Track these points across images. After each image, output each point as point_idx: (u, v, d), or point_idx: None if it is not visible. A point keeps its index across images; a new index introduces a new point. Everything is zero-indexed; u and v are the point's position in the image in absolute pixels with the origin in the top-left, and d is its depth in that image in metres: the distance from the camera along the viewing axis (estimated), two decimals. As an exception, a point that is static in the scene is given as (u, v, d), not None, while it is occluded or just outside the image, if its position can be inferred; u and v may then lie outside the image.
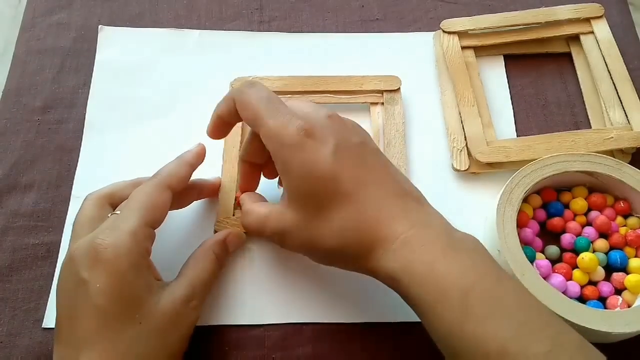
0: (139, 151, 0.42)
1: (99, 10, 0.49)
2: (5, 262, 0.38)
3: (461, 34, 0.46)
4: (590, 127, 0.44)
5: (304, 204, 0.31)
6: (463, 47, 0.46)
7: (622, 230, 0.38)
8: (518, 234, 0.36)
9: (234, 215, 0.39)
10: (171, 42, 0.47)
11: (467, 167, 0.41)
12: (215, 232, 0.38)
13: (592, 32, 0.47)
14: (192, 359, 0.34)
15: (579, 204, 0.39)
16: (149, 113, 0.44)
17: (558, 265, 0.37)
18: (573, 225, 0.39)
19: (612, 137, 0.41)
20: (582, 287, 0.36)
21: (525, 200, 0.39)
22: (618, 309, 0.35)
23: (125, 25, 0.48)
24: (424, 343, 0.36)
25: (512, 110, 0.45)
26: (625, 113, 0.43)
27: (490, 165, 0.41)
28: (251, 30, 0.48)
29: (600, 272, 0.37)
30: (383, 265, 0.30)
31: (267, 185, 0.39)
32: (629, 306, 0.35)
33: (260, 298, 0.37)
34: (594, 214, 0.39)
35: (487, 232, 0.38)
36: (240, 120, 0.34)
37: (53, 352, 0.30)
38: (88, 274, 0.29)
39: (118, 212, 0.32)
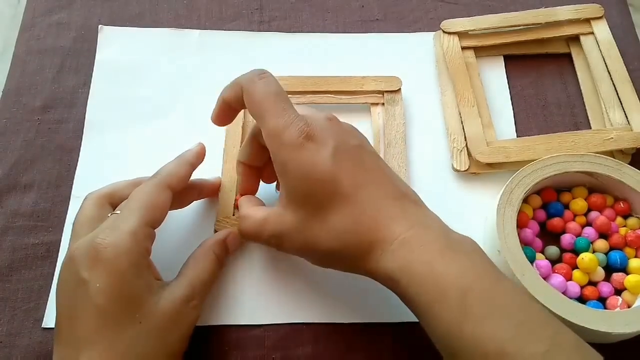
0: (139, 151, 0.42)
1: (99, 10, 0.49)
2: (5, 262, 0.38)
3: (461, 35, 0.46)
4: (590, 128, 0.44)
5: (302, 206, 0.31)
6: (463, 48, 0.46)
7: (622, 230, 0.38)
8: (518, 234, 0.36)
9: (233, 215, 0.39)
10: (171, 42, 0.47)
11: (467, 167, 0.41)
12: (215, 232, 0.38)
13: (592, 33, 0.47)
14: (192, 359, 0.34)
15: (579, 204, 0.39)
16: (149, 113, 0.44)
17: (558, 265, 0.37)
18: (573, 225, 0.39)
19: (612, 138, 0.41)
20: (582, 287, 0.36)
21: (525, 200, 0.39)
22: (618, 309, 0.35)
23: (125, 25, 0.48)
24: (424, 343, 0.36)
25: (512, 111, 0.45)
26: (625, 113, 0.43)
27: (490, 165, 0.41)
28: (251, 30, 0.48)
29: (600, 273, 0.37)
30: (381, 266, 0.30)
31: (267, 189, 0.39)
32: (628, 306, 0.35)
33: (260, 298, 0.37)
34: (593, 214, 0.39)
35: (487, 233, 0.38)
36: (245, 107, 0.34)
37: (53, 352, 0.30)
38: (88, 274, 0.29)
39: (118, 211, 0.32)
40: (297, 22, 0.49)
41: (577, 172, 0.39)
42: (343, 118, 0.44)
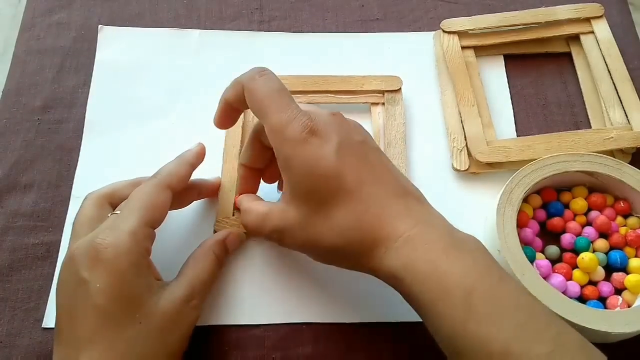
0: (139, 151, 0.42)
1: (99, 10, 0.49)
2: (5, 262, 0.38)
3: (461, 34, 0.46)
4: (590, 127, 0.44)
5: (305, 201, 0.31)
6: (463, 47, 0.46)
7: (622, 230, 0.38)
8: (518, 234, 0.36)
9: (233, 215, 0.39)
10: (171, 42, 0.47)
11: (467, 167, 0.41)
12: (215, 232, 0.38)
13: (592, 32, 0.47)
14: (192, 359, 0.34)
15: (579, 204, 0.39)
16: (149, 113, 0.44)
17: (558, 265, 0.37)
18: (573, 225, 0.39)
19: (612, 137, 0.41)
20: (582, 287, 0.36)
21: (525, 200, 0.39)
22: (618, 309, 0.35)
23: (125, 25, 0.48)
24: (424, 343, 0.36)
25: (512, 110, 0.45)
26: (625, 113, 0.43)
27: (490, 165, 0.41)
28: (251, 30, 0.48)
29: (600, 272, 0.37)
30: (385, 264, 0.29)
31: (267, 189, 0.39)
32: (629, 306, 0.35)
33: (260, 298, 0.37)
34: (594, 214, 0.39)
35: (487, 232, 0.38)
36: (248, 107, 0.33)
37: (53, 352, 0.30)
38: (88, 274, 0.29)
39: (118, 212, 0.32)
40: (297, 22, 0.49)
41: (577, 171, 0.39)
42: (343, 118, 0.44)
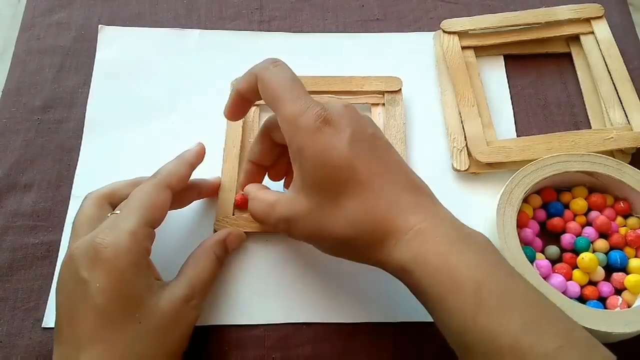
0: (139, 151, 0.42)
1: (99, 10, 0.49)
2: (5, 262, 0.38)
3: (461, 34, 0.46)
4: (590, 127, 0.44)
5: (316, 191, 0.31)
6: (463, 47, 0.46)
7: (622, 230, 0.38)
8: (518, 234, 0.36)
9: (233, 214, 0.39)
10: (171, 42, 0.47)
11: (467, 167, 0.41)
12: (215, 231, 0.38)
13: (592, 32, 0.47)
14: (192, 359, 0.34)
15: (579, 204, 0.39)
16: (149, 113, 0.44)
17: (558, 265, 0.37)
18: (573, 225, 0.39)
19: (612, 137, 0.41)
20: (582, 287, 0.36)
21: (525, 200, 0.39)
22: (618, 309, 0.35)
23: (125, 25, 0.48)
24: (424, 343, 0.36)
25: (512, 110, 0.45)
26: (625, 113, 0.43)
27: (490, 165, 0.41)
28: (251, 30, 0.48)
29: (600, 272, 0.37)
30: (394, 256, 0.29)
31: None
32: (629, 306, 0.35)
33: (260, 298, 0.37)
34: (594, 214, 0.39)
35: (487, 232, 0.38)
36: (259, 99, 0.33)
37: (53, 351, 0.30)
38: (88, 274, 0.29)
39: (118, 211, 0.32)
40: (297, 22, 0.49)
41: (577, 171, 0.39)
42: (343, 118, 0.44)
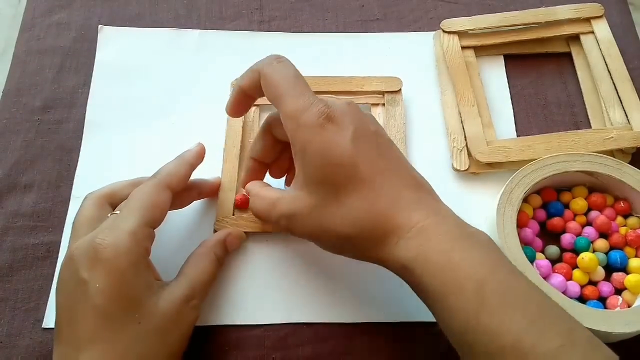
0: (139, 151, 0.42)
1: (99, 10, 0.49)
2: (5, 262, 0.38)
3: (461, 34, 0.46)
4: (590, 127, 0.44)
5: (318, 188, 0.31)
6: (463, 47, 0.46)
7: (622, 230, 0.38)
8: (518, 234, 0.36)
9: (233, 214, 0.39)
10: (171, 42, 0.47)
11: (467, 167, 0.41)
12: (215, 231, 0.38)
13: (592, 32, 0.46)
14: (192, 359, 0.34)
15: (579, 204, 0.39)
16: (149, 113, 0.44)
17: (558, 265, 0.37)
18: (573, 225, 0.39)
19: (612, 137, 0.41)
20: (582, 287, 0.36)
21: (525, 200, 0.39)
22: (618, 309, 0.35)
23: (125, 25, 0.48)
24: (424, 343, 0.36)
25: (512, 110, 0.45)
26: (625, 113, 0.43)
27: (490, 165, 0.41)
28: (251, 30, 0.48)
29: (600, 272, 0.37)
30: (396, 254, 0.29)
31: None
32: (629, 306, 0.35)
33: (260, 298, 0.37)
34: (594, 214, 0.39)
35: (487, 232, 0.38)
36: (262, 95, 0.33)
37: (53, 352, 0.30)
38: (87, 274, 0.29)
39: (117, 212, 0.32)
40: (297, 22, 0.49)
41: (577, 171, 0.39)
42: (343, 118, 0.44)
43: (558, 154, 0.39)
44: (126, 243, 0.30)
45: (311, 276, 0.38)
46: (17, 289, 0.37)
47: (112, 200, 0.34)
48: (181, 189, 0.35)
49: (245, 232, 0.38)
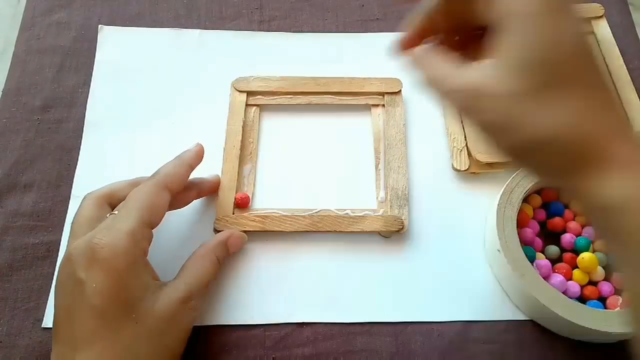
0: (139, 151, 0.42)
1: (99, 10, 0.49)
2: (5, 262, 0.38)
3: (461, 34, 0.46)
4: (591, 127, 0.44)
5: (527, 74, 0.24)
6: (463, 47, 0.46)
7: (622, 230, 0.38)
8: (518, 234, 0.36)
9: (233, 213, 0.39)
10: (171, 42, 0.47)
11: (467, 167, 0.41)
12: (215, 230, 0.38)
13: (593, 32, 0.46)
14: (192, 358, 0.34)
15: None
16: (149, 113, 0.44)
17: (558, 265, 0.37)
18: (573, 225, 0.39)
19: (612, 137, 0.41)
20: (582, 287, 0.36)
21: (526, 200, 0.39)
22: (618, 309, 0.35)
23: (125, 25, 0.48)
24: (424, 343, 0.36)
25: (512, 110, 0.45)
26: (625, 113, 0.43)
27: (490, 165, 0.41)
28: (251, 30, 0.48)
29: (600, 272, 0.37)
30: (600, 188, 0.23)
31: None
32: (629, 306, 0.35)
33: (260, 298, 0.37)
34: (594, 214, 0.39)
35: (487, 232, 0.38)
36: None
37: (51, 351, 0.30)
38: (85, 274, 0.29)
39: (116, 212, 0.32)
40: (297, 21, 0.49)
41: (577, 171, 0.39)
42: (343, 118, 0.44)
43: (558, 154, 0.39)
44: (123, 243, 0.30)
45: (311, 276, 0.38)
46: (17, 289, 0.37)
47: (111, 200, 0.34)
48: (180, 189, 0.35)
49: (245, 231, 0.38)
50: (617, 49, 0.45)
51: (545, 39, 0.24)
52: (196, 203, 0.39)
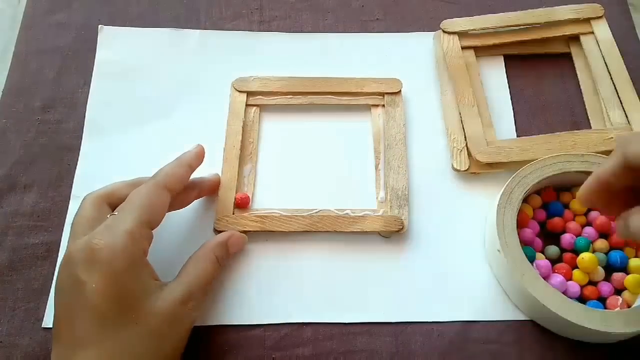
0: (139, 151, 0.42)
1: (99, 10, 0.49)
2: (5, 262, 0.38)
3: (461, 34, 0.46)
4: (590, 128, 0.44)
5: None
6: (463, 47, 0.46)
7: (622, 230, 0.38)
8: (518, 234, 0.36)
9: (233, 213, 0.39)
10: (171, 42, 0.47)
11: (467, 167, 0.41)
12: (215, 230, 0.38)
13: (592, 33, 0.47)
14: (192, 358, 0.34)
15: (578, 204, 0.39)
16: (149, 113, 0.44)
17: (558, 265, 0.37)
18: (573, 225, 0.39)
19: (612, 138, 0.41)
20: (582, 287, 0.36)
21: (525, 200, 0.39)
22: (618, 309, 0.35)
23: (125, 25, 0.48)
24: (424, 343, 0.36)
25: (512, 110, 0.45)
26: (625, 113, 0.43)
27: (490, 165, 0.41)
28: (251, 30, 0.48)
29: (600, 272, 0.37)
30: None
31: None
32: (628, 306, 0.35)
33: (260, 298, 0.37)
34: (594, 214, 0.39)
35: (487, 232, 0.38)
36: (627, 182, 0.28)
37: (51, 351, 0.30)
38: (84, 275, 0.29)
39: (116, 212, 0.32)
40: (297, 22, 0.49)
41: (577, 172, 0.39)
42: (343, 119, 0.44)
43: (558, 154, 0.39)
44: (123, 244, 0.30)
45: (311, 276, 0.38)
46: (17, 289, 0.37)
47: (111, 201, 0.34)
48: (180, 190, 0.35)
49: (245, 231, 0.38)
50: (617, 49, 0.45)
51: None
52: (196, 203, 0.39)
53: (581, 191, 0.31)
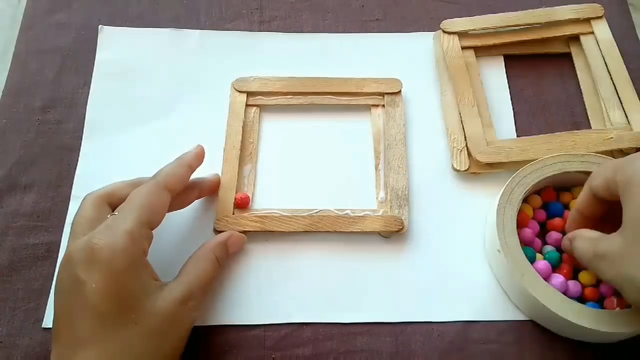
0: (139, 151, 0.42)
1: (99, 10, 0.49)
2: (5, 262, 0.38)
3: (461, 34, 0.46)
4: (590, 128, 0.44)
5: (631, 234, 0.30)
6: (463, 48, 0.46)
7: (622, 230, 0.38)
8: (518, 234, 0.36)
9: (233, 214, 0.39)
10: (171, 42, 0.47)
11: (467, 167, 0.41)
12: (215, 230, 0.38)
13: (592, 33, 0.47)
14: (192, 358, 0.34)
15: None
16: (149, 113, 0.44)
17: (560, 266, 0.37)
18: (573, 225, 0.39)
19: (612, 138, 0.41)
20: (582, 287, 0.36)
21: (526, 200, 0.39)
22: (618, 309, 0.35)
23: (125, 25, 0.48)
24: (424, 343, 0.36)
25: (512, 110, 0.45)
26: (625, 113, 0.43)
27: (490, 165, 0.41)
28: (251, 30, 0.48)
29: (600, 273, 0.37)
30: None
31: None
32: (628, 306, 0.35)
33: (260, 298, 0.37)
34: (594, 214, 0.39)
35: (487, 232, 0.38)
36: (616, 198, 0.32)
37: (51, 351, 0.30)
38: (84, 275, 0.29)
39: (116, 212, 0.32)
40: (297, 22, 0.49)
41: (577, 171, 0.39)
42: (343, 119, 0.44)
43: (558, 154, 0.39)
44: (123, 244, 0.30)
45: (311, 276, 0.38)
46: (17, 289, 0.37)
47: (111, 201, 0.34)
48: (180, 190, 0.35)
49: (245, 232, 0.38)
50: (617, 49, 0.45)
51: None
52: (196, 203, 0.39)
53: (567, 223, 0.37)
